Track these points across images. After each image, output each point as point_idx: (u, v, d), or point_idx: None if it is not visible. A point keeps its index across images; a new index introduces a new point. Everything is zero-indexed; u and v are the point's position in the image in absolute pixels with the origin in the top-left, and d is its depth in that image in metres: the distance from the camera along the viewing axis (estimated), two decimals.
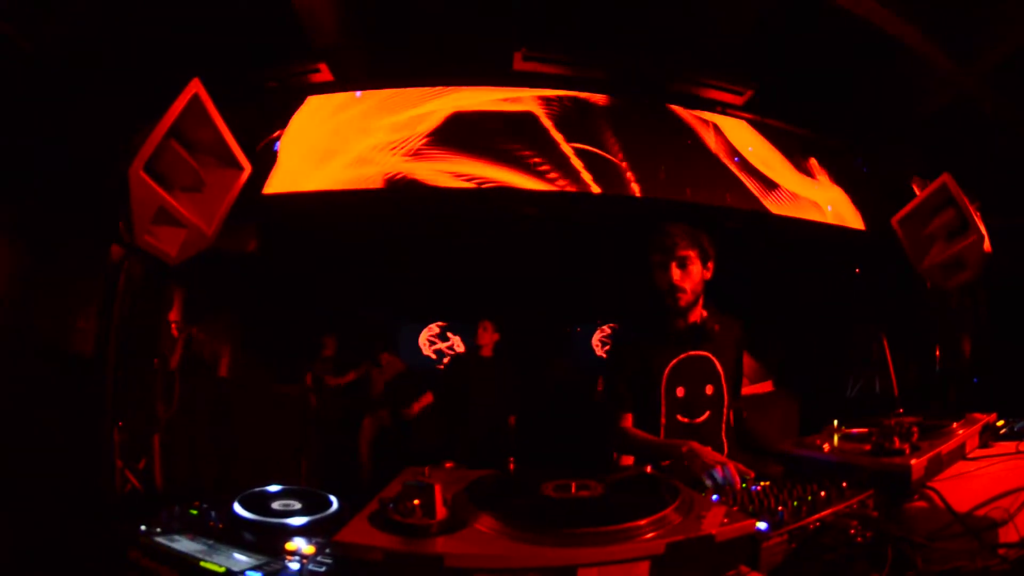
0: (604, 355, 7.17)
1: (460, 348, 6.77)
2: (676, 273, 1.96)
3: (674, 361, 1.99)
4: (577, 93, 4.13)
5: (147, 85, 2.96)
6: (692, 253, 1.97)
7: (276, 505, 1.25)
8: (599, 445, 2.29)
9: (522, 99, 4.06)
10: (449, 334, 6.93)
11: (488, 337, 4.49)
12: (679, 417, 1.98)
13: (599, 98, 4.16)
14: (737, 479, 1.41)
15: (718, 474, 1.43)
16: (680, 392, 1.99)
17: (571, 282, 6.20)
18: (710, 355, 2.02)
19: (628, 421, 2.02)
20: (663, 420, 1.97)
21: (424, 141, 3.97)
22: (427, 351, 6.93)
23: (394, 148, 3.95)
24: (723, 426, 2.04)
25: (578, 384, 6.51)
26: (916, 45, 3.36)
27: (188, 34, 3.18)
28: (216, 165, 2.34)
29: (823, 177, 4.63)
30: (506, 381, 4.46)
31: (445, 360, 6.70)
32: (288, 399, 5.12)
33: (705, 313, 2.05)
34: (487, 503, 1.00)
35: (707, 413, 2.01)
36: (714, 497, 1.18)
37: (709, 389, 2.01)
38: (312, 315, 5.75)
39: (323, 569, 0.99)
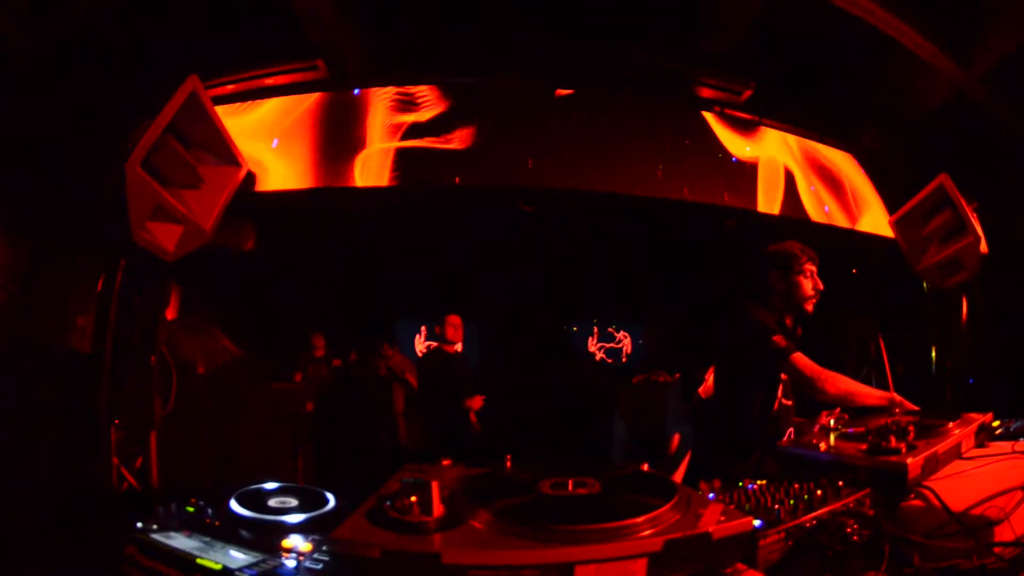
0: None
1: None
2: (818, 283, 2.29)
3: None
4: (576, 89, 4.13)
5: (146, 82, 2.96)
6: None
7: (273, 502, 1.25)
8: (597, 443, 2.34)
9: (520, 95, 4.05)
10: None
11: (461, 333, 4.35)
12: (783, 399, 2.25)
13: (597, 96, 4.16)
14: None
15: None
16: (784, 376, 2.28)
17: (568, 281, 6.21)
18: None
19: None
20: (780, 396, 2.24)
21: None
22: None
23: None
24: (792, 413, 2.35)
25: (576, 382, 6.53)
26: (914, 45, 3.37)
27: (187, 31, 3.17)
28: (214, 162, 2.34)
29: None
30: (468, 376, 4.39)
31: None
32: (286, 396, 5.12)
33: None
34: (485, 500, 1.00)
35: (791, 400, 2.33)
36: (711, 496, 1.19)
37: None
38: (304, 312, 5.74)
39: (320, 566, 0.99)
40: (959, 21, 3.28)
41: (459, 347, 4.43)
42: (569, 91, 4.08)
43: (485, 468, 1.24)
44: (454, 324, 4.33)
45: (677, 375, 4.90)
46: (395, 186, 3.96)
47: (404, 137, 3.96)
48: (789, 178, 4.49)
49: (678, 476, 2.95)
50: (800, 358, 2.13)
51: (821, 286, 2.31)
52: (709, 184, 4.27)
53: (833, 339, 5.35)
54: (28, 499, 2.30)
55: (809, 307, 2.31)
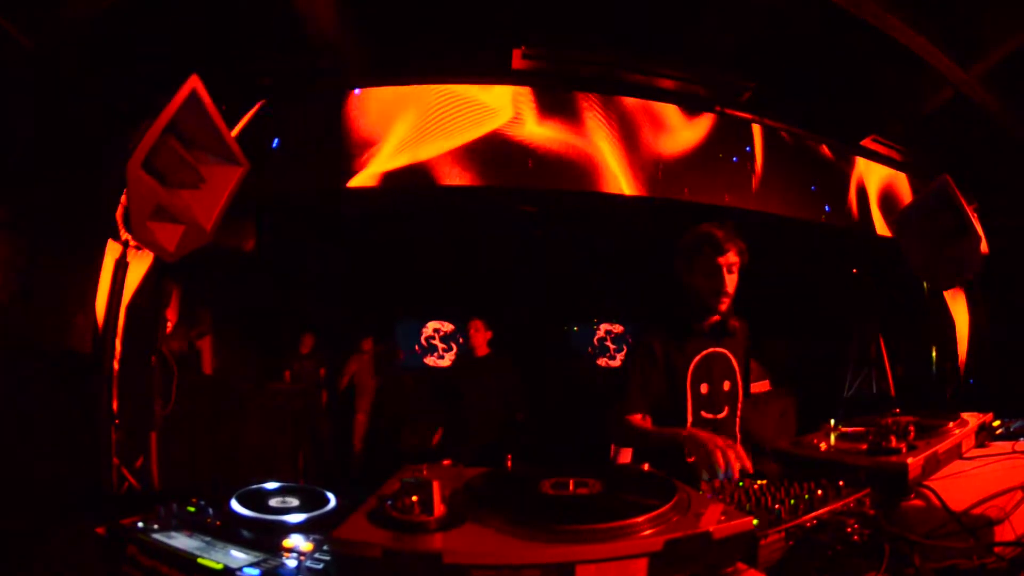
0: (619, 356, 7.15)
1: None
2: (728, 278, 1.94)
3: (697, 358, 2.00)
4: (574, 92, 4.13)
5: (146, 81, 2.96)
6: (740, 259, 1.97)
7: (274, 502, 1.25)
8: (598, 442, 2.29)
9: (520, 96, 4.05)
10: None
11: (481, 337, 4.31)
12: (703, 413, 1.99)
13: (596, 97, 4.16)
14: (737, 469, 1.43)
15: (719, 468, 1.44)
16: (704, 388, 2.00)
17: (568, 281, 6.20)
18: (727, 352, 2.06)
19: (634, 420, 1.96)
20: (689, 417, 1.97)
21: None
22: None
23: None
24: (737, 421, 2.08)
25: (576, 382, 6.53)
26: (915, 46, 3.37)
27: (187, 30, 3.17)
28: (215, 162, 2.34)
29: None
30: (503, 380, 4.31)
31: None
32: (284, 396, 5.13)
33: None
34: (486, 500, 1.00)
35: (726, 409, 2.04)
36: (712, 497, 1.19)
37: (727, 385, 2.05)
38: (295, 312, 5.74)
39: (321, 566, 0.99)
40: (959, 21, 3.28)
41: (482, 351, 4.36)
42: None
43: (486, 468, 1.24)
44: (476, 327, 4.30)
45: None
46: (394, 187, 3.97)
47: (406, 137, 3.96)
48: (789, 177, 4.50)
49: None
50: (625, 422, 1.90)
51: (735, 279, 1.95)
52: (709, 184, 4.27)
53: (833, 339, 5.37)
54: (28, 499, 2.30)
55: (720, 305, 1.94)
